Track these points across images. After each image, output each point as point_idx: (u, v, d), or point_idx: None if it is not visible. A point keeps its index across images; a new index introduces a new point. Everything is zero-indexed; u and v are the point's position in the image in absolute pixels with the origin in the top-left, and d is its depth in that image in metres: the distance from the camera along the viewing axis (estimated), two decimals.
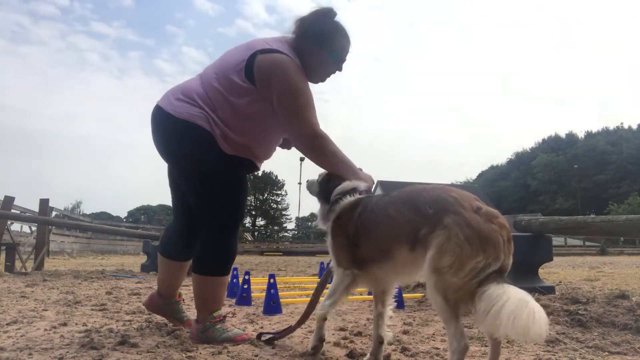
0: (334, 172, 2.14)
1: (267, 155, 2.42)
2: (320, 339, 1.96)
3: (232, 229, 2.32)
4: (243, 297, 3.65)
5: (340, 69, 2.38)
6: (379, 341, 1.89)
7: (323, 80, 2.39)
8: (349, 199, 1.98)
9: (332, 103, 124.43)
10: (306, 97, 2.15)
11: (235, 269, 4.53)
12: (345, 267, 1.88)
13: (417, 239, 1.57)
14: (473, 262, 1.43)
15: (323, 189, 2.13)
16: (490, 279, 1.44)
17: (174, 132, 2.20)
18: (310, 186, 2.29)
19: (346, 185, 2.04)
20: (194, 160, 2.22)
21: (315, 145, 2.14)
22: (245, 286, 3.69)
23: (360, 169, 2.25)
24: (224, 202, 2.28)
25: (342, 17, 2.34)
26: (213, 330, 2.19)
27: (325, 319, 1.93)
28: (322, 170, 2.22)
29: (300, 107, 2.11)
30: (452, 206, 1.53)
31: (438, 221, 1.52)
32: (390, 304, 1.95)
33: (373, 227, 1.79)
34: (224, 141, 2.19)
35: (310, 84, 2.28)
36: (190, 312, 2.70)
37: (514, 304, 1.33)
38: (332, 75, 2.41)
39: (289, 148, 2.61)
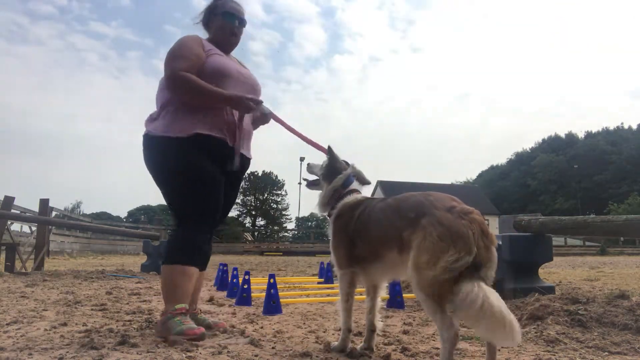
0: (335, 157, 2.31)
1: (217, 122, 2.42)
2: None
3: (193, 223, 2.39)
4: (243, 297, 3.65)
5: (242, 24, 2.69)
6: (372, 329, 2.08)
7: (233, 35, 2.65)
8: (350, 198, 2.13)
9: (332, 103, 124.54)
10: (174, 51, 2.42)
11: (235, 269, 4.54)
12: (342, 268, 2.04)
13: (403, 242, 1.73)
14: (446, 256, 1.57)
15: (328, 172, 2.27)
16: (466, 274, 1.57)
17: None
18: (312, 168, 2.43)
19: (342, 176, 2.22)
20: (150, 169, 2.48)
21: (176, 85, 2.37)
22: (245, 286, 3.69)
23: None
24: (180, 201, 2.42)
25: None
26: (171, 322, 2.19)
27: (350, 330, 2.07)
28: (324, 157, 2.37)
29: (167, 59, 2.40)
30: (428, 208, 1.70)
31: (417, 223, 1.69)
32: (380, 295, 2.14)
33: (367, 230, 1.95)
34: (165, 124, 2.38)
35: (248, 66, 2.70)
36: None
37: (492, 315, 1.48)
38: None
39: (255, 127, 2.73)
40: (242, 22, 2.69)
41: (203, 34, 2.68)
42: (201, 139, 2.38)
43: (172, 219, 2.52)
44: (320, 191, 2.31)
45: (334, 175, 2.24)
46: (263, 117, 2.65)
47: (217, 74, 2.45)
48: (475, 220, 1.65)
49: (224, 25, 2.63)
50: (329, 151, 2.32)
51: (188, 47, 2.44)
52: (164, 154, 2.42)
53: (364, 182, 2.31)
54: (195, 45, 2.47)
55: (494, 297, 1.53)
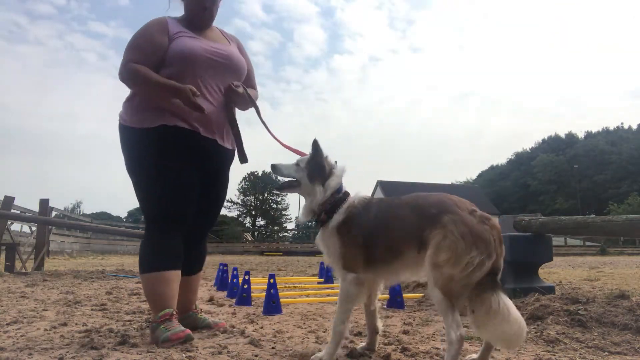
0: (320, 152, 2.01)
1: (186, 111, 2.26)
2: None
3: (160, 225, 2.28)
4: (243, 297, 3.65)
5: None
6: (376, 332, 2.04)
7: (204, 9, 2.43)
8: (358, 199, 1.96)
9: (331, 103, 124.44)
10: (131, 40, 2.32)
11: (235, 269, 4.53)
12: (355, 271, 1.86)
13: (422, 240, 1.70)
14: (468, 257, 1.58)
15: (317, 171, 1.99)
16: (486, 282, 1.59)
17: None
18: (282, 169, 2.08)
19: (340, 180, 2.01)
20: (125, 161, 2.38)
21: (125, 77, 2.26)
22: (245, 286, 3.69)
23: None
24: (145, 199, 2.33)
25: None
26: (158, 331, 2.13)
27: (343, 334, 1.88)
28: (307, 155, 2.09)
29: (125, 49, 2.30)
30: (451, 207, 1.70)
31: (438, 220, 1.68)
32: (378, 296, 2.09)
33: (385, 230, 1.84)
34: (131, 113, 2.30)
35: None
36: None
37: (516, 327, 1.54)
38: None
39: (242, 109, 2.58)
40: None
41: (181, 9, 2.51)
42: (168, 130, 2.25)
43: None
44: (301, 194, 2.05)
45: (322, 174, 1.98)
46: (242, 101, 2.45)
47: (181, 59, 2.29)
48: (495, 227, 1.67)
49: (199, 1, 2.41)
50: (315, 146, 2.01)
51: (146, 36, 2.31)
52: (128, 146, 2.32)
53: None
54: (156, 33, 2.32)
55: (514, 310, 1.57)
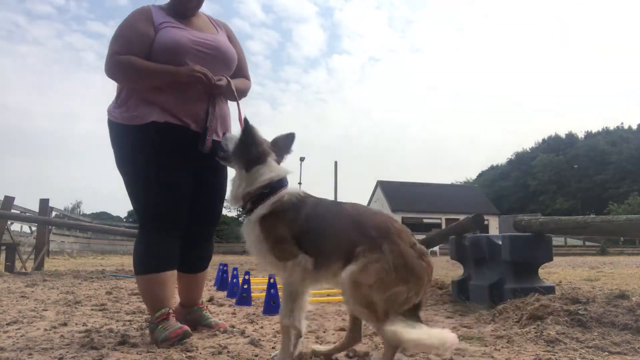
0: (254, 131, 1.88)
1: (177, 106, 2.20)
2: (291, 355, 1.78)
3: (152, 225, 2.23)
4: (243, 297, 3.65)
5: None
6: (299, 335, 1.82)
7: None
8: (287, 195, 1.80)
9: (331, 103, 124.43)
10: (116, 32, 2.22)
11: (235, 269, 4.53)
12: (294, 255, 1.72)
13: (352, 255, 1.63)
14: (395, 288, 1.54)
15: (241, 152, 1.87)
16: (407, 315, 1.59)
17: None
18: (228, 140, 2.00)
19: (275, 174, 1.84)
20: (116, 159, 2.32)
21: (114, 71, 2.18)
22: (245, 286, 3.69)
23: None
24: (135, 198, 2.27)
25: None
26: (156, 332, 2.12)
27: (293, 327, 1.74)
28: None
29: (110, 42, 2.21)
30: (392, 235, 1.64)
31: (376, 245, 1.61)
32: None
33: (317, 235, 1.74)
34: (120, 110, 2.23)
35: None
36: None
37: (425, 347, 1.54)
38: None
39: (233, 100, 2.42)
40: None
41: None
42: (159, 127, 2.18)
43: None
44: (234, 174, 1.92)
45: (247, 157, 1.84)
46: (229, 93, 2.30)
47: (168, 51, 2.19)
48: (430, 265, 1.65)
49: None
50: (245, 124, 1.87)
51: (130, 26, 2.21)
52: (118, 143, 2.26)
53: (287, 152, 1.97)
54: (140, 22, 2.21)
55: (426, 335, 1.54)
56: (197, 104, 2.26)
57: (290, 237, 1.73)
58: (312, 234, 1.74)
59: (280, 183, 1.84)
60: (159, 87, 2.21)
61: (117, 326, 2.60)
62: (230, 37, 2.51)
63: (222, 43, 2.37)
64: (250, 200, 1.83)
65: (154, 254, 2.23)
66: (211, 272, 6.02)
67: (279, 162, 1.94)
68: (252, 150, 1.86)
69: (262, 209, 1.79)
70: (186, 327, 2.14)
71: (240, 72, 2.51)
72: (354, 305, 1.61)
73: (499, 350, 2.07)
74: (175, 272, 2.29)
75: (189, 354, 1.94)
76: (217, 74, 2.28)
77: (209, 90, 2.23)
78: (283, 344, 1.78)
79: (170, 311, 2.20)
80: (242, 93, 2.45)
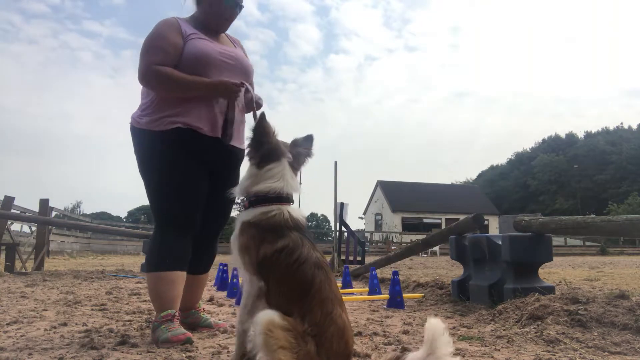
0: (264, 124, 1.79)
1: (200, 113, 2.29)
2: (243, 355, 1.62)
3: (168, 226, 2.31)
4: None
5: (240, 9, 2.49)
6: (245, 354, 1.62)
7: (226, 20, 2.47)
8: (277, 214, 1.67)
9: (328, 103, 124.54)
10: (148, 42, 2.30)
11: (235, 269, 4.52)
12: (251, 273, 1.64)
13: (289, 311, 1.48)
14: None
15: (256, 145, 1.78)
16: None
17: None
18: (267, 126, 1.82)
19: (279, 185, 1.73)
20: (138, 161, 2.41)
21: (152, 81, 2.26)
22: None
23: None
24: (154, 200, 2.35)
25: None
26: (158, 331, 2.15)
27: (246, 331, 1.57)
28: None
29: (141, 52, 2.29)
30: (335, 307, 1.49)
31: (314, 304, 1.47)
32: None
33: (283, 279, 1.57)
34: (146, 116, 2.30)
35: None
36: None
37: None
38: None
39: (247, 111, 2.51)
40: (241, 8, 2.49)
41: (192, 8, 2.48)
42: (182, 133, 2.27)
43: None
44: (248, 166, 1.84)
45: (259, 151, 1.76)
46: (249, 103, 2.37)
47: (196, 62, 2.29)
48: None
49: (220, 8, 2.40)
50: (260, 118, 1.80)
51: (163, 37, 2.28)
52: (142, 148, 2.35)
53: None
54: (171, 33, 2.30)
55: None
56: (217, 110, 2.36)
57: (256, 257, 1.61)
58: (277, 273, 1.58)
59: (280, 198, 1.72)
60: (188, 95, 2.32)
61: (117, 326, 2.61)
62: (244, 52, 2.67)
63: (241, 55, 2.54)
64: (248, 199, 1.77)
65: (167, 252, 2.28)
66: (211, 272, 6.02)
67: (297, 167, 1.85)
68: (263, 143, 1.77)
69: (247, 214, 1.71)
70: (189, 334, 2.17)
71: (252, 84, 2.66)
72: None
73: (499, 350, 2.08)
74: (184, 274, 2.33)
75: (188, 354, 1.94)
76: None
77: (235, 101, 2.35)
78: (235, 348, 1.69)
79: (176, 314, 2.23)
80: (259, 105, 2.50)
